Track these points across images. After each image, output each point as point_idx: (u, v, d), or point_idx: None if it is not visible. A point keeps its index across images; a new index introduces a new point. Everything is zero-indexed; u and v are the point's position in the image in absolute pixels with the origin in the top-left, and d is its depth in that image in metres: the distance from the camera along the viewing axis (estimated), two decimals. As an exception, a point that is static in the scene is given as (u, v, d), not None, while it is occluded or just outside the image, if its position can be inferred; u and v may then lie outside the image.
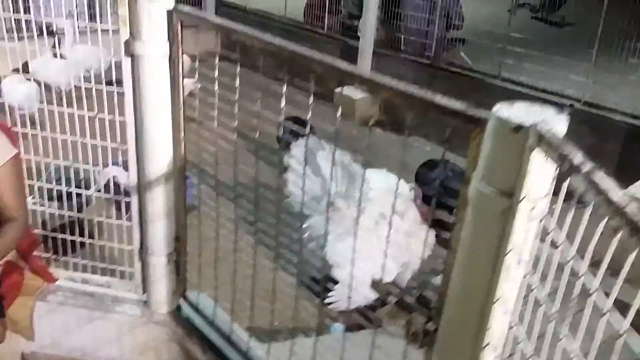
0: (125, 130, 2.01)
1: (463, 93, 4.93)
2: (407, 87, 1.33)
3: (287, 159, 3.37)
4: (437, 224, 3.70)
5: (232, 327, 2.07)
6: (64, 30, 4.93)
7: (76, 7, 2.96)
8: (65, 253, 2.36)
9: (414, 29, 5.12)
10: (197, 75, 1.90)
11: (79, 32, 4.38)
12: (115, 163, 2.42)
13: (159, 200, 2.04)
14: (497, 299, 1.14)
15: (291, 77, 1.60)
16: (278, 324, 2.67)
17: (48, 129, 2.17)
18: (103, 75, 2.09)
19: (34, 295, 2.27)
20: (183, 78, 1.93)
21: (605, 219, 0.84)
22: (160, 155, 1.98)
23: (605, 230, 0.88)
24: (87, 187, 2.49)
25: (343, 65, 1.43)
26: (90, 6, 4.90)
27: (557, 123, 1.09)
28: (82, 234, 2.30)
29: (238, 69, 1.72)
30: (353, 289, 2.71)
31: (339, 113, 1.56)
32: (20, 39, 2.25)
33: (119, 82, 1.96)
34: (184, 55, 5.50)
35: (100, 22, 2.12)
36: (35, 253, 2.32)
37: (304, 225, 3.26)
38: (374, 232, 2.93)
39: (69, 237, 2.31)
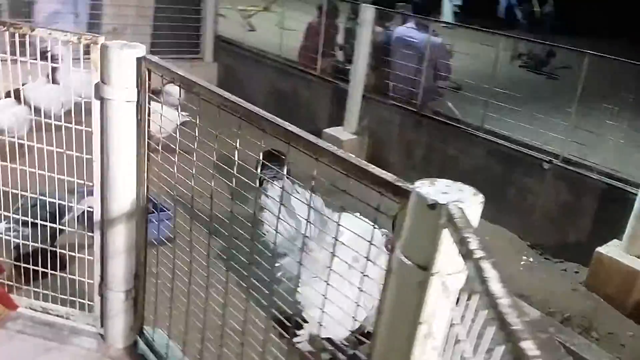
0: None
1: (445, 142, 5.04)
2: (346, 155, 1.38)
3: (263, 199, 3.43)
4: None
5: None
6: (59, 56, 5.04)
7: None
8: (28, 282, 2.39)
9: (403, 77, 5.24)
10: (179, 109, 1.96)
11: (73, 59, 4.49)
12: (91, 192, 2.47)
13: (120, 237, 2.08)
14: (411, 366, 1.18)
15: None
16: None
17: (17, 161, 2.23)
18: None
19: (-6, 321, 2.30)
20: (149, 122, 1.99)
21: (485, 310, 0.88)
22: (124, 194, 2.04)
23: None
24: (62, 216, 2.54)
25: (290, 127, 1.50)
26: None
27: (472, 203, 1.15)
28: (49, 264, 2.33)
29: (198, 120, 1.78)
30: (323, 328, 2.72)
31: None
32: (14, 62, 2.29)
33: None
34: (176, 87, 5.59)
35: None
36: (-2, 280, 2.35)
37: (278, 264, 3.29)
38: (346, 276, 2.97)
39: (31, 267, 2.35)
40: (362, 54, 5.36)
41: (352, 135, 5.54)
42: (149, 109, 1.97)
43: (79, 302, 2.34)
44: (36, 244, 2.38)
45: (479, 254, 0.93)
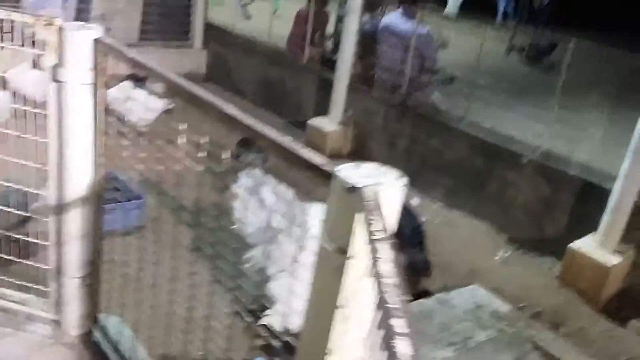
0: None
1: (428, 134, 5.02)
2: (284, 139, 1.37)
3: (235, 187, 3.42)
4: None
5: (140, 355, 2.09)
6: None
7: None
8: None
9: (388, 67, 5.21)
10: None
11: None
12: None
13: (75, 223, 2.07)
14: (329, 351, 1.17)
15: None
16: (201, 354, 2.69)
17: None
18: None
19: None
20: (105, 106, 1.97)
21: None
22: (79, 179, 2.02)
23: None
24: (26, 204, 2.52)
25: (231, 111, 1.47)
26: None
27: (393, 186, 1.14)
28: (12, 251, 2.31)
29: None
30: (289, 314, 2.71)
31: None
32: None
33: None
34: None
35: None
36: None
37: (247, 255, 3.29)
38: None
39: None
40: (348, 43, 5.32)
41: (337, 126, 5.52)
42: (104, 92, 1.95)
43: (35, 288, 2.33)
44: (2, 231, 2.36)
45: (377, 235, 0.92)
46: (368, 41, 5.40)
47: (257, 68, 6.71)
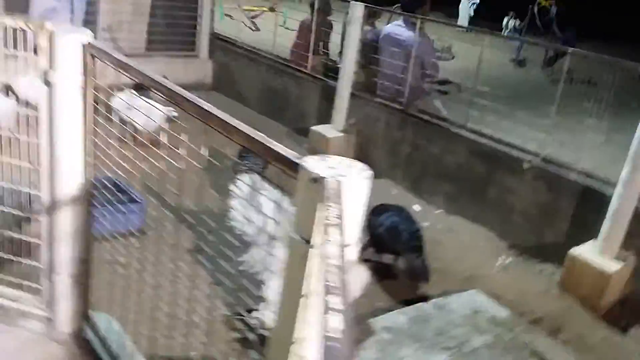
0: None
1: (429, 140, 5.01)
2: (251, 130, 1.39)
3: (233, 187, 3.44)
4: (380, 268, 3.77)
5: (129, 353, 2.11)
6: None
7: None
8: None
9: (389, 75, 5.24)
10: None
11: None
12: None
13: (65, 221, 2.10)
14: (295, 340, 1.18)
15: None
16: (195, 355, 2.70)
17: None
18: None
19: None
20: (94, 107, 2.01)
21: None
22: (69, 179, 2.06)
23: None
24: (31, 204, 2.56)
25: (206, 105, 1.50)
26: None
27: (356, 178, 1.15)
28: (14, 251, 2.34)
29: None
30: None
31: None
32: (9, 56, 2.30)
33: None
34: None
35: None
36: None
37: (243, 257, 3.30)
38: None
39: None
40: (350, 52, 5.36)
41: (339, 133, 5.54)
42: (93, 95, 1.99)
43: (28, 286, 2.36)
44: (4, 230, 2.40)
45: (331, 221, 0.93)
46: (370, 50, 5.43)
47: (261, 77, 6.78)
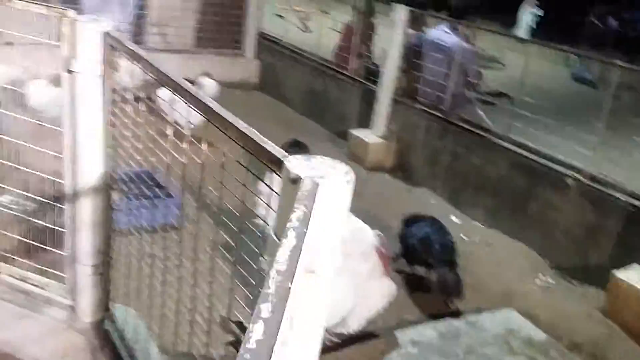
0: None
1: (470, 150, 4.84)
2: (236, 121, 1.33)
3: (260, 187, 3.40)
4: (412, 280, 3.66)
5: (149, 348, 2.08)
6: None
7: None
8: (28, 256, 2.43)
9: (432, 81, 5.11)
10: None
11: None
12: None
13: (86, 211, 2.09)
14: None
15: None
16: (215, 354, 2.66)
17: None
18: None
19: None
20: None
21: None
22: (90, 168, 2.04)
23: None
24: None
25: (207, 101, 1.44)
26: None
27: (337, 180, 1.07)
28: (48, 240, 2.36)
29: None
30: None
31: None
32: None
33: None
34: (211, 80, 5.58)
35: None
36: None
37: (268, 256, 3.26)
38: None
39: (33, 242, 2.38)
40: (393, 56, 5.26)
41: (379, 139, 5.44)
42: (112, 84, 1.96)
43: (55, 274, 2.37)
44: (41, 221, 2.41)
45: (295, 222, 0.87)
46: (413, 55, 5.32)
47: (304, 78, 6.74)
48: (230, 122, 1.31)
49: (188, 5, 7.08)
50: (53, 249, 2.34)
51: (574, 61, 9.65)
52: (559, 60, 9.53)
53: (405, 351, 3.01)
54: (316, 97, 6.54)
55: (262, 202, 3.32)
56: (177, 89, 1.52)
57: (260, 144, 1.19)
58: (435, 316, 3.38)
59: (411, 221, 3.68)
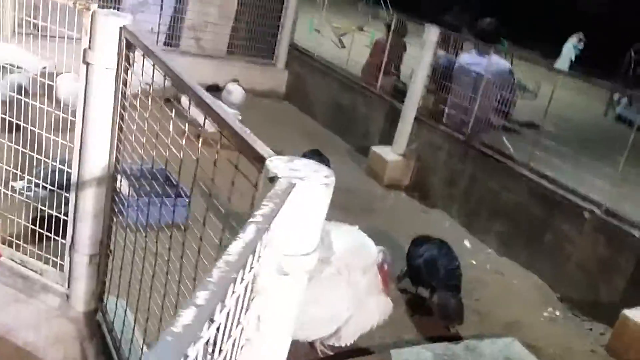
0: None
1: (489, 175, 4.76)
2: (227, 116, 1.35)
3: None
4: (414, 300, 3.62)
5: (134, 345, 2.10)
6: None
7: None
8: (34, 242, 2.48)
9: (458, 104, 5.08)
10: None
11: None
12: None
13: (89, 201, 2.15)
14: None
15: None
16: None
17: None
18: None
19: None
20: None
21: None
22: (96, 159, 2.10)
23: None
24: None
25: (210, 101, 1.47)
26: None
27: (315, 182, 1.07)
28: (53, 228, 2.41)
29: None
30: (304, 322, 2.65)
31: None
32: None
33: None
34: (239, 87, 5.64)
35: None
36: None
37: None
38: (333, 280, 2.88)
39: (40, 230, 2.44)
40: (420, 76, 5.26)
41: (399, 157, 5.42)
42: (126, 78, 2.02)
43: (55, 261, 2.42)
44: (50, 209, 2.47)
45: (256, 218, 0.87)
46: (441, 76, 5.30)
47: (331, 92, 6.79)
48: (223, 119, 1.33)
49: (225, 13, 7.21)
50: (55, 237, 2.39)
51: (618, 99, 9.40)
52: (600, 96, 9.34)
53: (397, 371, 2.97)
54: (342, 111, 6.57)
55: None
56: (180, 85, 1.55)
57: (247, 141, 1.21)
58: (434, 339, 3.34)
59: (419, 242, 3.65)
